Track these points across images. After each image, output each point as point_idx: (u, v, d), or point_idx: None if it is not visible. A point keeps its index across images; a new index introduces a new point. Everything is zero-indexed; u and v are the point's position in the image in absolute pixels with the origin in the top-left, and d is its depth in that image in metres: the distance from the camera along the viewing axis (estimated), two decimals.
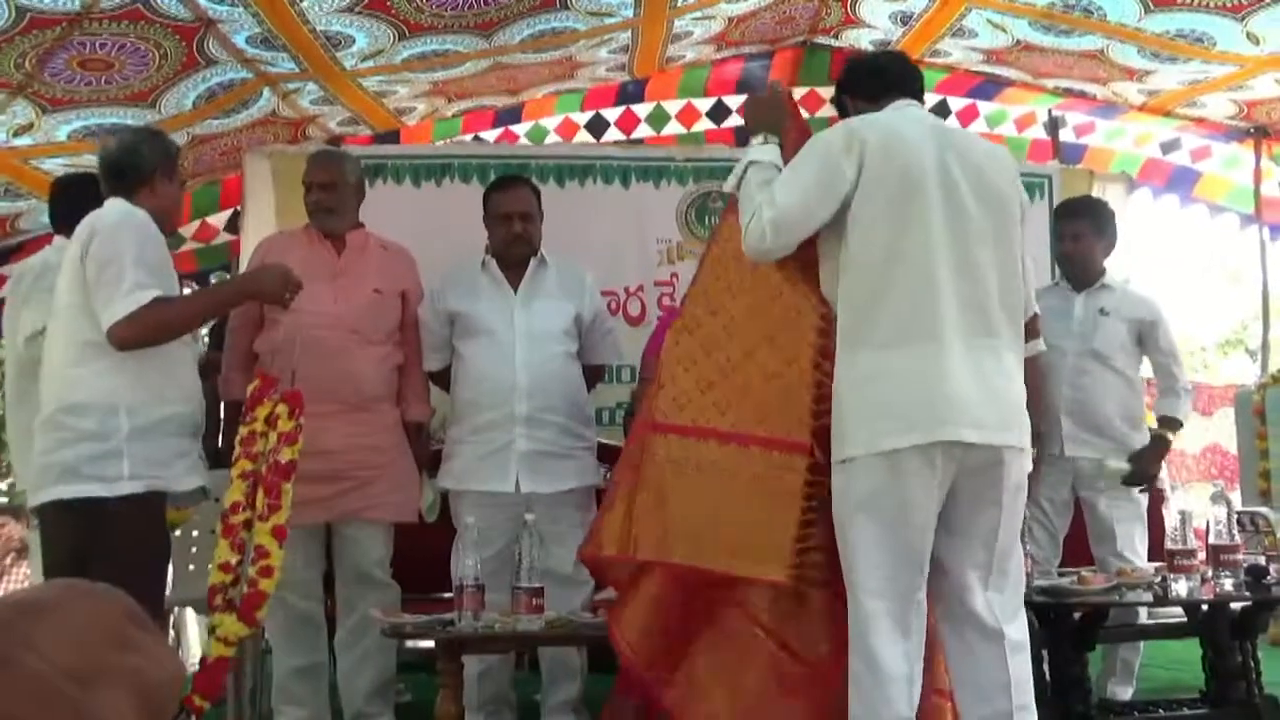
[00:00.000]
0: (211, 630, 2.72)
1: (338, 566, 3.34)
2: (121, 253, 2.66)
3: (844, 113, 2.67)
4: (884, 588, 2.31)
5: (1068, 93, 5.32)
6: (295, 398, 2.81)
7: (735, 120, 5.47)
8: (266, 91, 4.27)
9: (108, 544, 2.59)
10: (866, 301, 2.36)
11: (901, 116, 2.50)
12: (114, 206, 2.77)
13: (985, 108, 5.50)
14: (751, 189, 2.48)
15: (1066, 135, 5.58)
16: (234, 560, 2.71)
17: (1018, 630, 2.42)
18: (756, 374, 2.56)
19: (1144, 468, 3.76)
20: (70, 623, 0.42)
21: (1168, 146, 5.54)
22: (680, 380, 2.60)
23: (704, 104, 5.45)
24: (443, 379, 3.57)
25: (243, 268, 3.85)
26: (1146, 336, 3.84)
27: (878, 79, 2.64)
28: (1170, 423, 3.82)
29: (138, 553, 2.59)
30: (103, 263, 2.66)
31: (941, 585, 2.40)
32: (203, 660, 2.72)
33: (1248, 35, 4.20)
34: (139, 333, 2.67)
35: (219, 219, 5.19)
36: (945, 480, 2.32)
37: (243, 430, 2.75)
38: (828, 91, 5.49)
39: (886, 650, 2.30)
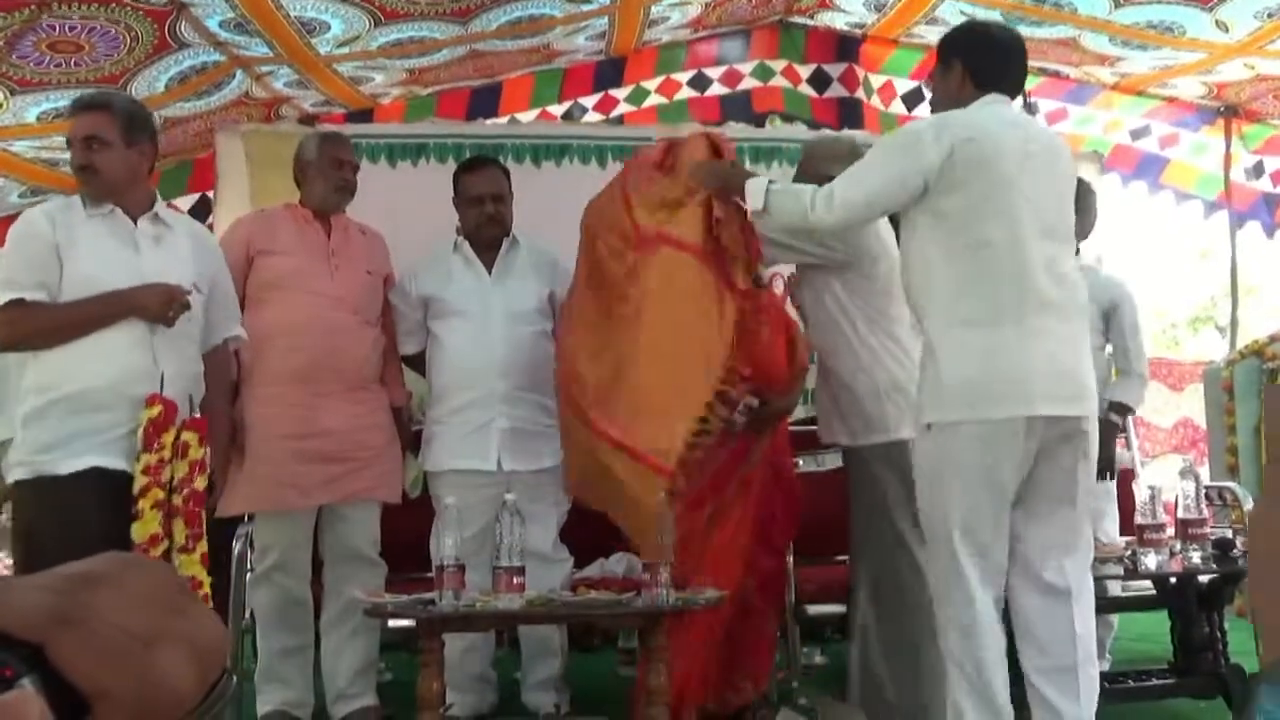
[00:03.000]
0: None
1: (328, 547, 3.34)
2: (2, 253, 2.70)
3: (945, 66, 2.73)
4: (975, 547, 2.52)
5: (1041, 72, 5.36)
6: (201, 424, 2.79)
7: (718, 89, 5.46)
8: (239, 74, 4.24)
9: (13, 529, 2.63)
10: (965, 286, 2.54)
11: (991, 114, 2.62)
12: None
13: None
14: (792, 190, 2.76)
15: (1038, 122, 5.62)
16: None
17: (1085, 589, 2.61)
18: (651, 374, 2.89)
19: (1103, 459, 3.77)
20: (127, 590, 0.46)
21: (1137, 133, 5.58)
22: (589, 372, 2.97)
23: (684, 75, 5.44)
24: (417, 362, 3.58)
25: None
26: (1110, 317, 3.84)
27: (1000, 70, 2.70)
28: (1121, 408, 3.82)
29: (31, 539, 2.59)
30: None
31: (1015, 548, 2.59)
32: None
33: (1216, 24, 4.25)
34: (2, 336, 2.70)
35: (185, 202, 5.12)
36: (1032, 451, 2.52)
37: (150, 458, 2.66)
38: (805, 71, 5.52)
39: (984, 603, 2.51)
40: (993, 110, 2.63)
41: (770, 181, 2.80)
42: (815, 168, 3.23)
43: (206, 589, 2.72)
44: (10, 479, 2.69)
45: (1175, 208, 5.80)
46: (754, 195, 2.79)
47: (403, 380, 3.56)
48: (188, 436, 2.73)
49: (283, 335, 3.22)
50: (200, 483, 2.73)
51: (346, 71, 4.47)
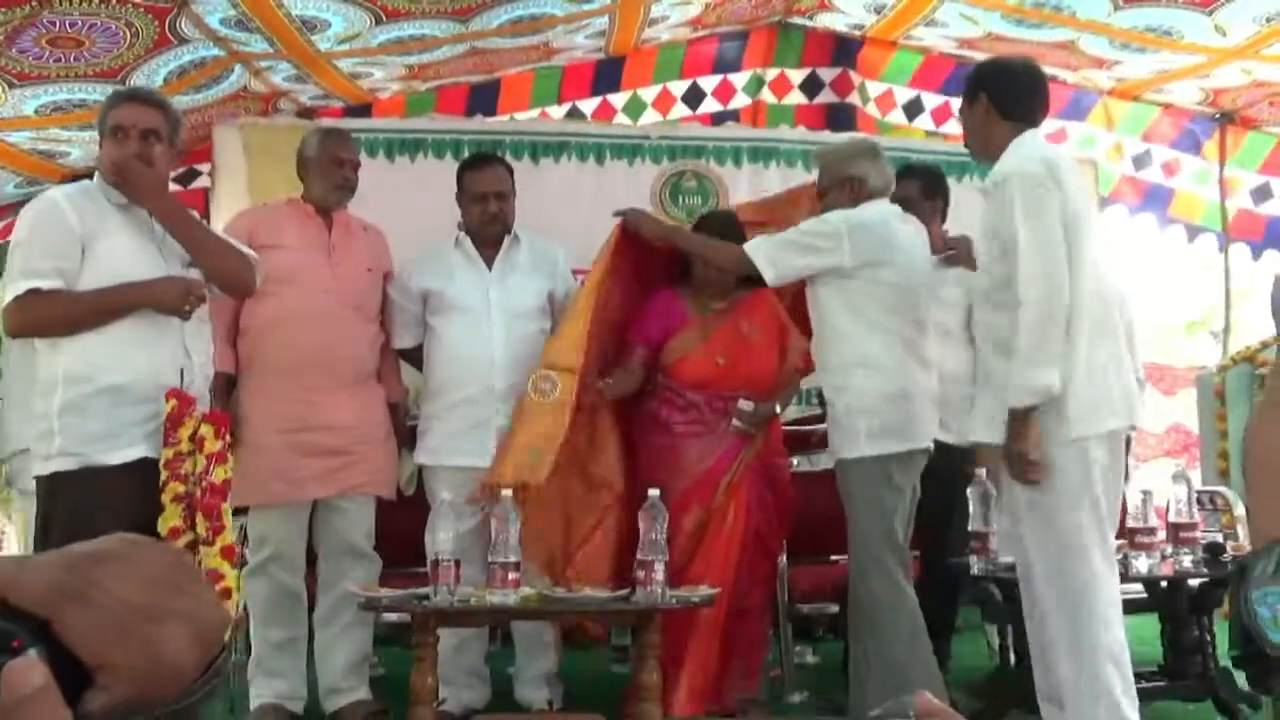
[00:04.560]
0: None
1: (323, 540, 3.34)
2: (20, 237, 2.67)
3: (971, 99, 2.88)
4: (1108, 548, 2.71)
5: None
6: (219, 418, 2.79)
7: (710, 105, 5.49)
8: (238, 68, 4.24)
9: (47, 520, 2.60)
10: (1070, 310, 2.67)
11: (1054, 151, 2.81)
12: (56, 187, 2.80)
13: (958, 104, 5.50)
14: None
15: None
16: None
17: None
18: None
19: None
20: (133, 568, 0.49)
21: (1140, 161, 5.55)
22: None
23: (679, 87, 5.46)
24: (414, 357, 3.58)
25: None
26: None
27: (1024, 100, 2.85)
28: None
29: (74, 531, 2.56)
30: (10, 246, 2.68)
31: None
32: None
33: (1215, 28, 4.26)
34: (16, 323, 2.67)
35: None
36: None
37: (167, 452, 2.66)
38: (797, 76, 5.53)
39: (1117, 599, 2.72)
40: (1051, 146, 2.83)
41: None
42: (837, 171, 3.31)
43: (230, 582, 2.70)
44: (45, 470, 2.63)
45: (1188, 246, 5.74)
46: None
47: (399, 377, 3.57)
48: (205, 430, 2.72)
49: (281, 329, 3.23)
50: (218, 475, 2.72)
51: (346, 67, 4.47)
